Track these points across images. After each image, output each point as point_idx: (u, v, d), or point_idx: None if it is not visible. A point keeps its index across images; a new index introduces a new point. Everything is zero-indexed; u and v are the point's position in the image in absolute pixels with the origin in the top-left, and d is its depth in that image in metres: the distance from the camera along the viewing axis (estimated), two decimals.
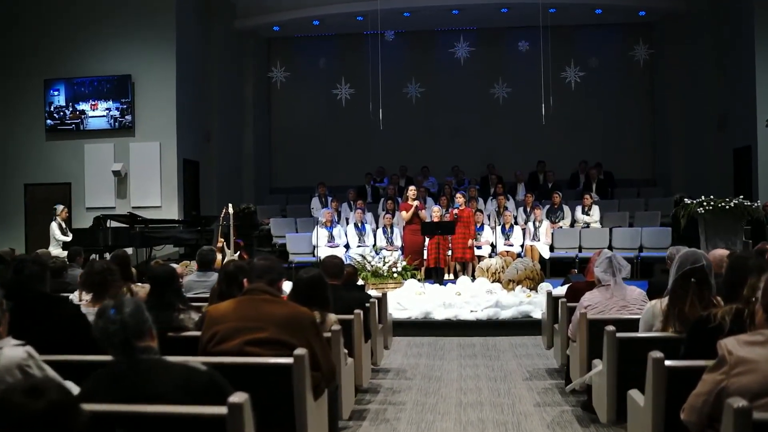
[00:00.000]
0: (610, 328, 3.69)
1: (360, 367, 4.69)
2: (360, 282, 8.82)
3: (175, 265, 6.61)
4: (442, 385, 5.96)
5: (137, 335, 2.34)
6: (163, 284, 4.09)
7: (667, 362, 2.87)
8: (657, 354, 2.90)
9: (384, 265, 9.45)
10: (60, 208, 11.42)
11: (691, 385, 2.58)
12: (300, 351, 3.03)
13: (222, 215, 10.95)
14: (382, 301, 6.32)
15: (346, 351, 4.12)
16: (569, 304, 5.33)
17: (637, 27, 15.67)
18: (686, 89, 14.98)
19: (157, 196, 13.16)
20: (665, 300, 3.67)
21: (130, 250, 12.56)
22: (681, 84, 15.11)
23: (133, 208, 12.78)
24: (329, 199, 13.43)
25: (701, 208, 9.29)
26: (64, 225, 11.53)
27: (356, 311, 4.67)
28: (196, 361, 3.17)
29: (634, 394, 3.33)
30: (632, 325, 4.27)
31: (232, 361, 3.06)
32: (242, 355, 3.11)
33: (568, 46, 15.00)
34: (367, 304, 5.47)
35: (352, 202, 13.28)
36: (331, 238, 11.88)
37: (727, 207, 9.17)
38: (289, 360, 3.02)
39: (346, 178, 15.27)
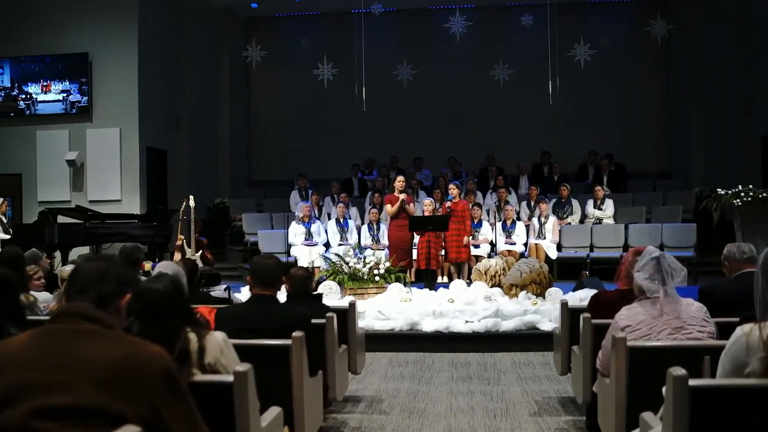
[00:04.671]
0: (679, 372, 2.29)
1: (301, 415, 3.27)
2: (332, 288, 7.47)
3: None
4: (426, 422, 4.68)
5: None
6: None
7: None
8: None
9: (364, 267, 8.04)
10: None
11: None
12: (128, 431, 1.62)
13: (182, 209, 9.63)
14: (349, 312, 4.92)
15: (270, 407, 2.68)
16: (594, 322, 3.96)
17: (653, 3, 14.24)
18: (707, 71, 13.52)
19: (117, 189, 11.77)
20: (766, 326, 2.28)
21: (86, 249, 11.31)
22: (701, 65, 13.67)
23: (90, 202, 11.46)
24: (310, 192, 12.04)
25: (738, 200, 7.91)
26: (5, 219, 10.27)
27: (294, 334, 3.26)
28: None
29: None
30: (695, 356, 2.89)
31: None
32: None
33: (575, 24, 13.62)
34: (322, 320, 4.09)
35: (335, 196, 11.90)
36: (309, 235, 10.50)
37: None
38: None
39: (332, 171, 13.92)
